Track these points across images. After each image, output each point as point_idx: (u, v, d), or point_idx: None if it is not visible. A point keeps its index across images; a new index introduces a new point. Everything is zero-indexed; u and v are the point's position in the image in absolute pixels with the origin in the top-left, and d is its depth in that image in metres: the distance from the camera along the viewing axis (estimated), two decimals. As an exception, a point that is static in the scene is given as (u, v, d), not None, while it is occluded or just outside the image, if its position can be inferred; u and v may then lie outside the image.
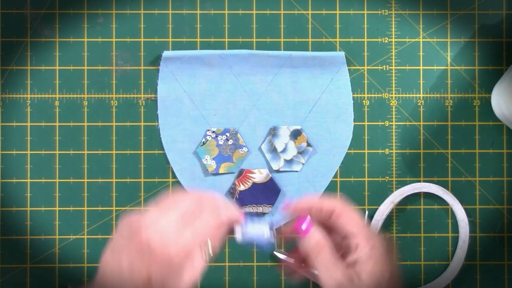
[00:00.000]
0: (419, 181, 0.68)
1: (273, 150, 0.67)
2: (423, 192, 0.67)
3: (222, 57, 0.67)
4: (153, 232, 0.46)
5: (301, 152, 0.67)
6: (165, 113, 0.68)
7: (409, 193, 0.67)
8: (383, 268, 0.50)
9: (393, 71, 0.68)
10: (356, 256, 0.50)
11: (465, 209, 0.67)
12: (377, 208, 0.67)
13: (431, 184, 0.67)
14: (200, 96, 0.68)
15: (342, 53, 0.67)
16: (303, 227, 0.51)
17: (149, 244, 0.46)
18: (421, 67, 0.68)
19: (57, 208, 0.68)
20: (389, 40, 0.68)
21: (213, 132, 0.67)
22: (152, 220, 0.47)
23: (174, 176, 0.68)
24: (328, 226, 0.52)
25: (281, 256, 0.67)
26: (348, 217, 0.52)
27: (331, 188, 0.68)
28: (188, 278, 0.48)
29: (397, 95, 0.68)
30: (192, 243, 0.48)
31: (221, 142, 0.67)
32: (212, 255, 0.50)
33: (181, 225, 0.47)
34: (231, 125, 0.68)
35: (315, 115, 0.68)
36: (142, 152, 0.68)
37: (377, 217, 0.67)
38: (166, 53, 0.67)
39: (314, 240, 0.52)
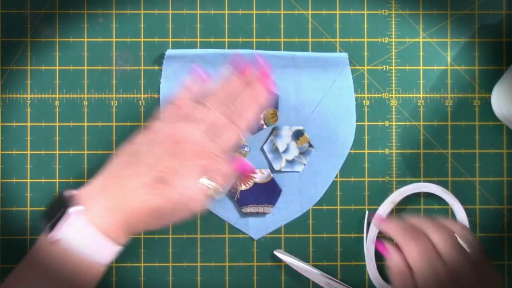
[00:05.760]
0: (419, 181, 0.68)
1: (275, 150, 0.67)
2: (423, 192, 0.68)
3: (225, 57, 0.67)
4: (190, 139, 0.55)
5: (303, 153, 0.67)
6: (167, 112, 0.68)
7: (409, 193, 0.67)
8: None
9: (393, 71, 0.68)
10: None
11: (465, 209, 0.67)
12: (377, 209, 0.67)
13: (431, 184, 0.67)
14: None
15: (345, 55, 0.68)
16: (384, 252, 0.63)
17: (185, 147, 0.54)
18: (421, 67, 0.68)
19: (57, 208, 0.68)
20: (389, 40, 0.69)
21: (215, 132, 0.67)
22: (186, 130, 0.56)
23: (174, 176, 0.68)
24: None
25: (281, 256, 0.67)
26: (389, 229, 0.62)
27: (331, 189, 0.68)
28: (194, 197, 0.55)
29: (397, 95, 0.68)
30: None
31: (222, 142, 0.67)
32: (222, 191, 0.57)
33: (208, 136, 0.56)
34: (233, 125, 0.68)
35: (317, 116, 0.68)
36: (142, 152, 0.68)
37: None
38: (169, 52, 0.67)
39: (394, 265, 0.61)
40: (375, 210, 0.67)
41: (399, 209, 0.68)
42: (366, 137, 0.68)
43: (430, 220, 0.61)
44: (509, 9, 0.68)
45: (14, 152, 0.68)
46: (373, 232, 0.67)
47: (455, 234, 0.59)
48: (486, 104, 0.68)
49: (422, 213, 0.68)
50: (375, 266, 0.67)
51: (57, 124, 0.68)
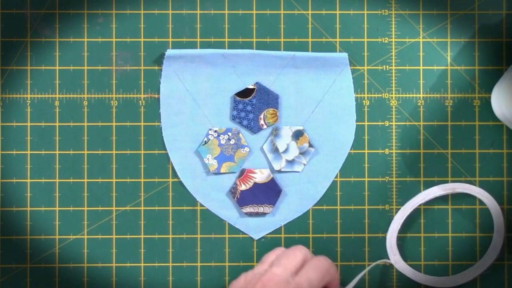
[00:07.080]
0: (419, 181, 0.68)
1: (275, 150, 0.68)
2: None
3: (225, 57, 0.67)
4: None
5: (303, 153, 0.67)
6: (167, 112, 0.68)
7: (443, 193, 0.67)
8: None
9: (393, 71, 0.69)
10: None
11: (465, 209, 0.67)
12: (378, 208, 0.67)
13: (470, 186, 0.67)
14: (202, 95, 0.68)
15: (345, 54, 0.68)
16: None
17: None
18: (421, 67, 0.68)
19: (57, 208, 0.68)
20: (389, 40, 0.69)
21: (215, 131, 0.67)
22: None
23: (174, 176, 0.68)
24: None
25: None
26: None
27: (331, 189, 0.68)
28: None
29: (397, 95, 0.68)
30: None
31: (223, 142, 0.67)
32: None
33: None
34: (233, 125, 0.68)
35: (317, 116, 0.68)
36: (142, 152, 0.68)
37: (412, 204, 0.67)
38: (169, 52, 0.67)
39: None
40: (375, 209, 0.68)
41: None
42: (366, 137, 0.68)
43: None
44: (509, 9, 0.68)
45: (14, 152, 0.68)
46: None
47: None
48: (486, 104, 0.68)
49: (421, 213, 0.68)
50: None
51: (57, 124, 0.68)
